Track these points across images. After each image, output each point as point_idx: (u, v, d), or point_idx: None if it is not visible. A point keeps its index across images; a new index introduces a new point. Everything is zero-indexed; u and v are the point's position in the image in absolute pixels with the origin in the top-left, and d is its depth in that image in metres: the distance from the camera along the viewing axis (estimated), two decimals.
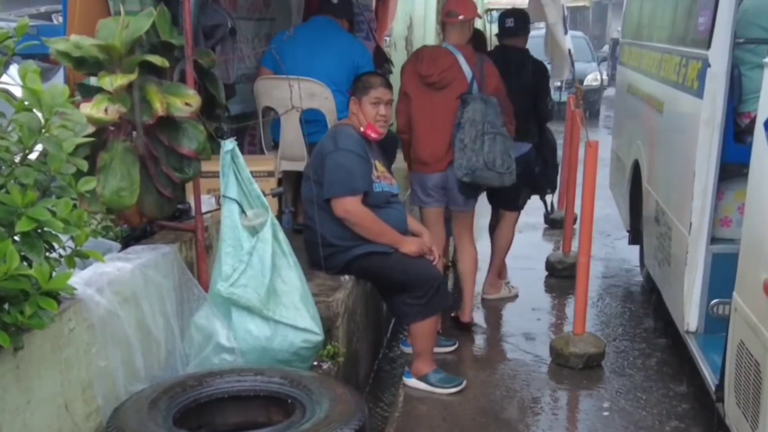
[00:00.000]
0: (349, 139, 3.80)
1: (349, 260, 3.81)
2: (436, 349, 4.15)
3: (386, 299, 4.10)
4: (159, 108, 2.74)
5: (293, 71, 4.01)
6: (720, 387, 3.25)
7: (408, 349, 4.29)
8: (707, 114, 3.65)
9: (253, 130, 5.19)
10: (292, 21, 5.46)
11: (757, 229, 2.86)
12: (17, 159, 2.08)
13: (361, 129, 3.85)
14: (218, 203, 3.27)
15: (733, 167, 3.71)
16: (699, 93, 3.76)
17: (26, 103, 2.03)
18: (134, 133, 2.89)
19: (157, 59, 2.79)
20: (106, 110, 2.63)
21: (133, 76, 2.72)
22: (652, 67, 5.05)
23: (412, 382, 4.00)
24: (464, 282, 4.81)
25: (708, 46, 3.67)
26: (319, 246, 3.71)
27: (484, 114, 4.35)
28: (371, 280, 3.99)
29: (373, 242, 3.79)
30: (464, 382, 4.02)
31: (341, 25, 4.79)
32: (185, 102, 2.82)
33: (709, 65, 3.64)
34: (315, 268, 3.83)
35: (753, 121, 3.30)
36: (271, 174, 3.93)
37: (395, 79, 4.84)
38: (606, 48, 25.19)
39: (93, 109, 2.62)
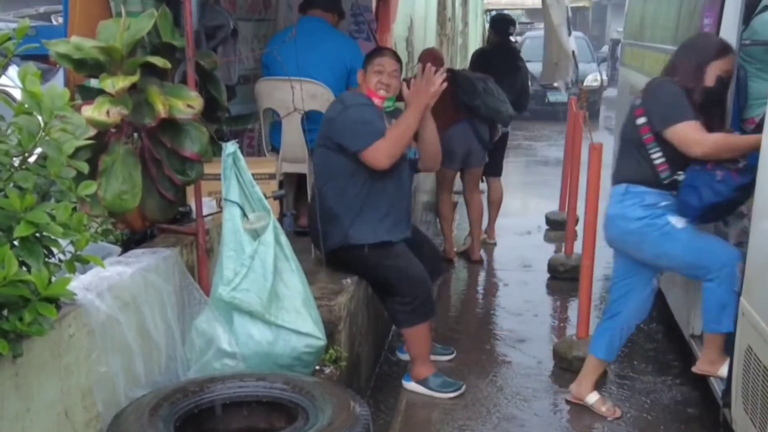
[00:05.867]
0: (357, 97, 3.86)
1: (345, 242, 3.79)
2: (433, 358, 4.11)
3: (381, 300, 4.06)
4: (161, 110, 2.70)
5: (292, 74, 3.97)
6: (727, 392, 3.23)
7: (405, 356, 4.26)
8: None
9: (251, 132, 5.16)
10: (294, 21, 5.41)
11: (765, 234, 2.83)
12: (16, 163, 2.05)
13: None
14: (219, 206, 3.24)
15: None
16: None
17: (26, 105, 2.00)
18: (135, 135, 2.86)
19: (158, 61, 2.76)
20: (107, 113, 2.59)
21: (134, 78, 2.68)
22: (655, 68, 5.01)
23: (411, 385, 3.97)
24: (473, 226, 6.32)
25: None
26: (319, 222, 3.71)
27: None
28: (365, 275, 3.94)
29: (368, 230, 3.76)
30: (464, 387, 3.99)
31: (331, 22, 4.71)
32: (187, 104, 2.79)
33: None
34: (315, 247, 3.92)
35: (757, 126, 3.28)
36: (272, 176, 3.91)
37: None
38: (605, 48, 25.22)
39: (95, 111, 2.58)
